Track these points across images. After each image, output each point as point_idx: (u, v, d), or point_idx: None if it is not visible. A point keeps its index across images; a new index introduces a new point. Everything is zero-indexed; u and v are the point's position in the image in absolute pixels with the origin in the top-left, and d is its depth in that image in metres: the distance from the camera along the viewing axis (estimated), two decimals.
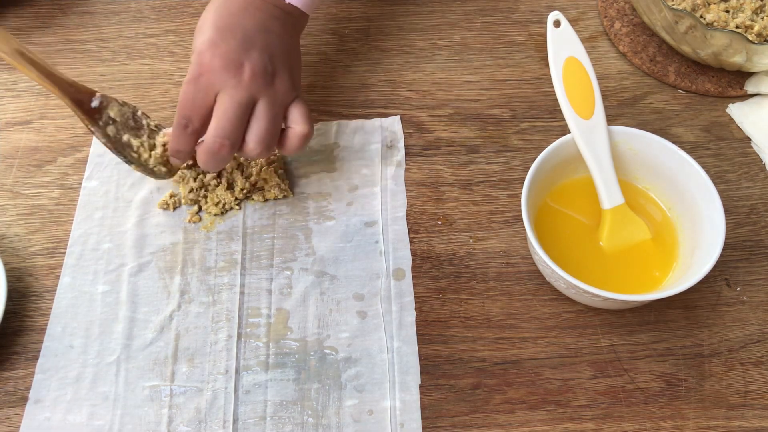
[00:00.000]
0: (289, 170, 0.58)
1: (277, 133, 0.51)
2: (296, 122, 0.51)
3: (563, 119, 0.51)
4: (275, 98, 0.49)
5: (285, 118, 0.51)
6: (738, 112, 0.62)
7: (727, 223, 0.47)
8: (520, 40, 0.67)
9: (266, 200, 0.56)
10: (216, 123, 0.48)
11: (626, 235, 0.51)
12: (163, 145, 0.52)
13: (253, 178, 0.56)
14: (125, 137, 0.51)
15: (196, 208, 0.56)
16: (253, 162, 0.57)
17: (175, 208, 0.56)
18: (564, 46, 0.51)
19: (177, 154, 0.50)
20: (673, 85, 0.64)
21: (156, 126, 0.53)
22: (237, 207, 0.56)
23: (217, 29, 0.49)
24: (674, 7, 0.60)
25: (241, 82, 0.48)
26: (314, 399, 0.48)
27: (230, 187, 0.56)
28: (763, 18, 0.62)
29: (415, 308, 0.51)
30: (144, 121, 0.52)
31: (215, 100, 0.48)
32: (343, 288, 0.53)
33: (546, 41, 0.52)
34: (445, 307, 0.52)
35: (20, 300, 0.52)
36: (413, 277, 0.53)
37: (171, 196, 0.56)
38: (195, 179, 0.56)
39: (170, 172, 0.53)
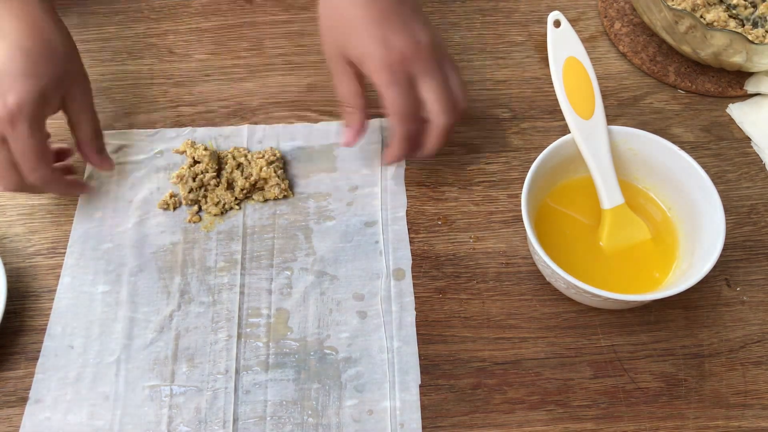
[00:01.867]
0: (289, 170, 0.58)
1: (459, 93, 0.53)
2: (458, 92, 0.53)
3: (563, 119, 0.51)
4: (445, 59, 0.52)
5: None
6: (738, 112, 0.62)
7: (727, 223, 0.47)
8: (520, 40, 0.67)
9: (266, 200, 0.56)
10: (437, 106, 0.51)
11: (626, 235, 0.51)
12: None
13: (253, 178, 0.56)
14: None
15: (195, 208, 0.56)
16: (253, 162, 0.57)
17: (175, 208, 0.56)
18: (564, 46, 0.51)
19: (397, 159, 0.55)
20: (673, 85, 0.64)
21: None
22: (237, 207, 0.56)
23: (374, 22, 0.49)
24: (674, 7, 0.60)
25: (430, 57, 0.50)
26: (314, 399, 0.48)
27: (230, 186, 0.56)
28: None
29: (415, 308, 0.51)
30: None
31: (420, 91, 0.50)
32: (343, 288, 0.53)
33: (546, 41, 0.52)
34: (445, 307, 0.52)
35: (20, 300, 0.52)
36: (413, 277, 0.53)
37: (171, 196, 0.56)
38: (194, 179, 0.56)
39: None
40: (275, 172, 0.56)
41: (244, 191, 0.56)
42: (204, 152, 0.56)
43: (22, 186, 0.50)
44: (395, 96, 0.50)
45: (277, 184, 0.56)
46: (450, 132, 0.52)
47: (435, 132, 0.52)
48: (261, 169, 0.56)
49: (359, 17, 0.50)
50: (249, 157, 0.58)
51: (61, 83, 0.49)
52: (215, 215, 0.56)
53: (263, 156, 0.57)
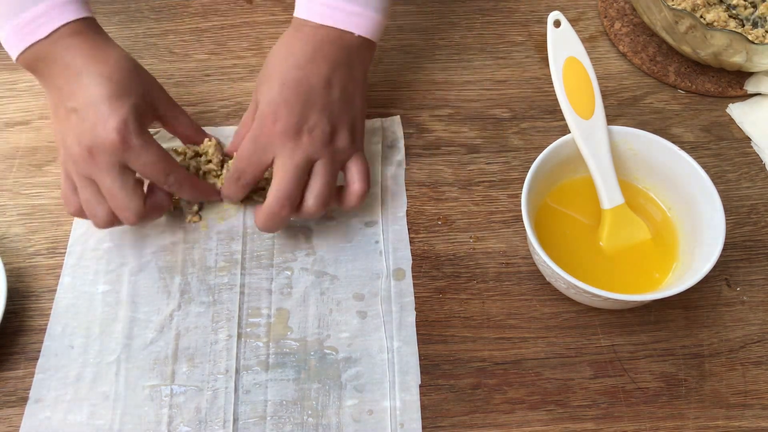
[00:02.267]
0: None
1: (334, 191, 0.52)
2: (354, 180, 0.52)
3: (563, 119, 0.51)
4: (333, 157, 0.51)
5: (344, 174, 0.52)
6: (738, 112, 0.62)
7: (727, 223, 0.47)
8: (520, 40, 0.67)
9: None
10: (276, 186, 0.49)
11: (626, 235, 0.51)
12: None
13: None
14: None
15: (196, 207, 0.56)
16: None
17: (175, 208, 0.56)
18: (564, 46, 0.51)
19: (228, 198, 0.54)
20: (673, 85, 0.64)
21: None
22: (239, 204, 0.56)
23: (282, 86, 0.50)
24: (674, 7, 0.60)
25: (300, 146, 0.49)
26: (314, 399, 0.48)
27: None
28: None
29: (415, 308, 0.51)
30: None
31: (272, 161, 0.50)
32: (343, 288, 0.53)
33: (546, 41, 0.52)
34: (445, 307, 0.52)
35: (20, 300, 0.52)
36: (413, 277, 0.53)
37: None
38: (192, 168, 0.56)
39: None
40: None
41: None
42: (209, 143, 0.56)
43: (142, 212, 0.49)
44: (244, 147, 0.50)
45: None
46: (276, 217, 0.50)
47: (259, 213, 0.51)
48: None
49: (277, 72, 0.50)
50: None
51: (146, 94, 0.51)
52: (218, 215, 0.56)
53: None
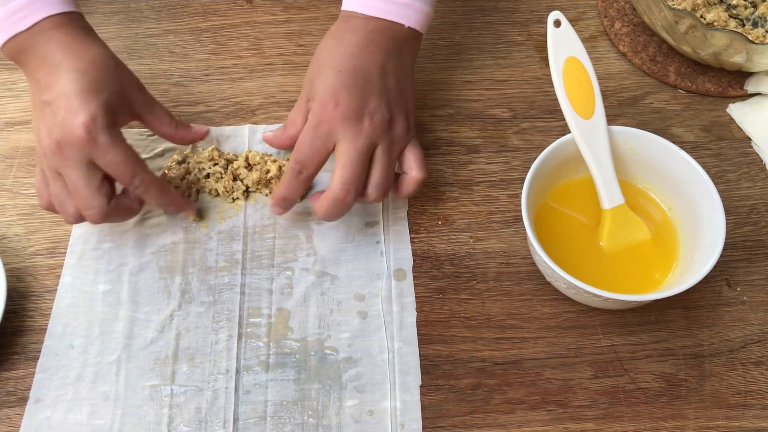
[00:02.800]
0: None
1: (393, 177, 0.52)
2: (412, 167, 0.52)
3: (563, 119, 0.51)
4: (392, 144, 0.51)
5: (400, 162, 0.52)
6: (738, 112, 0.62)
7: (727, 223, 0.47)
8: (520, 40, 0.67)
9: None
10: (341, 171, 0.49)
11: (626, 235, 0.51)
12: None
13: (270, 174, 0.56)
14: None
15: (196, 206, 0.56)
16: (269, 161, 0.57)
17: (201, 218, 0.56)
18: (564, 46, 0.51)
19: (285, 200, 0.51)
20: (673, 85, 0.64)
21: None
22: (243, 197, 0.56)
23: (339, 73, 0.49)
24: (674, 7, 0.60)
25: (362, 131, 0.49)
26: (315, 399, 0.48)
27: (235, 180, 0.56)
28: None
29: (416, 308, 0.51)
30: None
31: (333, 148, 0.49)
32: (343, 288, 0.53)
33: (546, 41, 0.52)
34: (445, 307, 0.52)
35: (20, 300, 0.52)
36: (413, 277, 0.53)
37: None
38: (185, 171, 0.56)
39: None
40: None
41: (257, 183, 0.56)
42: (211, 151, 0.57)
43: (106, 212, 0.49)
44: (305, 136, 0.50)
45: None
46: (340, 203, 0.50)
47: (323, 198, 0.50)
48: (280, 168, 0.56)
49: (330, 63, 0.50)
50: (261, 158, 0.57)
51: (121, 92, 0.50)
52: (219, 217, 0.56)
53: (276, 161, 0.57)
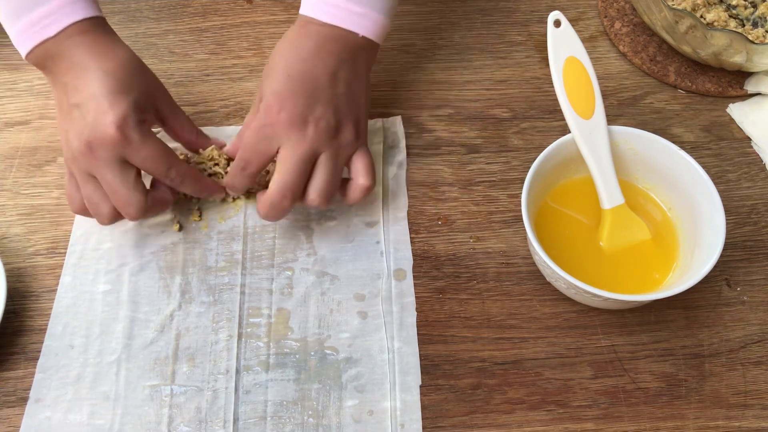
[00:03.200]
0: None
1: (338, 185, 0.52)
2: (359, 174, 0.52)
3: (563, 119, 0.51)
4: (338, 151, 0.51)
5: (348, 168, 0.52)
6: (738, 112, 0.62)
7: (727, 223, 0.47)
8: (520, 40, 0.67)
9: None
10: (279, 176, 0.49)
11: (626, 235, 0.51)
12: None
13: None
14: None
15: (197, 206, 0.56)
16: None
17: (175, 203, 0.56)
18: (564, 45, 0.51)
19: (232, 188, 0.53)
20: (673, 85, 0.64)
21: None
22: (242, 197, 0.56)
23: (288, 78, 0.50)
24: (674, 7, 0.60)
25: (305, 137, 0.49)
26: (315, 399, 0.48)
27: None
28: None
29: (416, 308, 0.51)
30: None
31: (276, 151, 0.50)
32: (344, 288, 0.53)
33: (546, 41, 0.52)
34: (445, 307, 0.52)
35: (20, 300, 0.52)
36: (413, 277, 0.53)
37: None
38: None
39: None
40: None
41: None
42: (210, 149, 0.57)
43: (144, 207, 0.49)
44: (249, 136, 0.50)
45: None
46: (277, 207, 0.50)
47: (261, 202, 0.51)
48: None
49: (281, 67, 0.50)
50: None
51: (149, 93, 0.51)
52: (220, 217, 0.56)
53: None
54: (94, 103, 0.47)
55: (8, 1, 0.48)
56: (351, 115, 0.51)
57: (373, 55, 0.55)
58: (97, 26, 0.50)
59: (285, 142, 0.49)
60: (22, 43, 0.49)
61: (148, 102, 0.50)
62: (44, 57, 0.49)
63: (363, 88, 0.53)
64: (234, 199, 0.56)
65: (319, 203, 0.50)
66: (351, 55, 0.52)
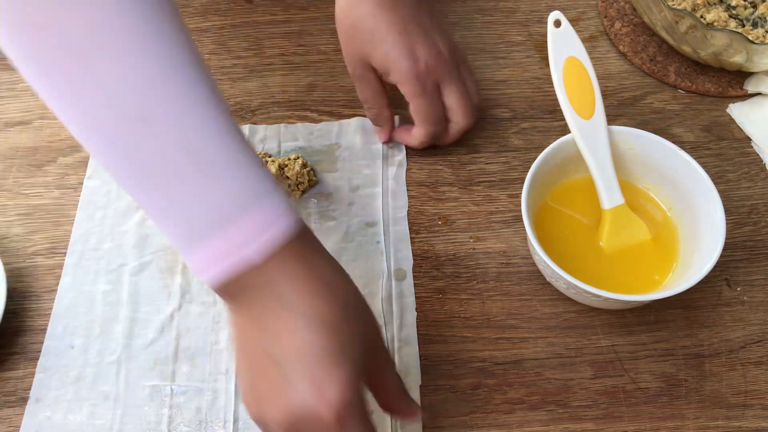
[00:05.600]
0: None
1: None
2: (455, 114, 0.56)
3: (563, 119, 0.51)
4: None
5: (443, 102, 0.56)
6: (738, 112, 0.62)
7: (727, 223, 0.47)
8: (520, 40, 0.67)
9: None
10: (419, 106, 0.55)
11: (626, 235, 0.51)
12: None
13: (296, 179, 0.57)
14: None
15: None
16: (269, 161, 0.57)
17: None
18: (564, 45, 0.51)
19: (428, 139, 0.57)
20: (674, 85, 0.64)
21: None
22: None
23: (400, 34, 0.52)
24: (674, 7, 0.60)
25: (450, 67, 0.54)
26: None
27: None
28: None
29: (416, 308, 0.51)
30: None
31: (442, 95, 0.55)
32: None
33: (546, 41, 0.52)
34: (445, 307, 0.52)
35: (20, 300, 0.52)
36: (413, 277, 0.53)
37: None
38: None
39: None
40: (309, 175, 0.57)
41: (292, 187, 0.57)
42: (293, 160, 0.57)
43: None
44: (424, 105, 0.54)
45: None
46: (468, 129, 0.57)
47: (455, 130, 0.57)
48: (280, 167, 0.56)
49: (382, 26, 0.52)
50: (261, 157, 0.57)
51: (371, 355, 0.38)
52: None
53: (275, 161, 0.57)
54: (302, 368, 0.35)
55: (187, 217, 0.35)
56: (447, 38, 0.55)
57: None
58: (304, 240, 0.37)
59: (444, 81, 0.54)
60: (208, 268, 0.35)
61: (368, 359, 0.37)
62: (236, 286, 0.36)
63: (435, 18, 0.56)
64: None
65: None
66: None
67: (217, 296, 0.51)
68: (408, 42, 0.52)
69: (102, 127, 0.35)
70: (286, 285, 0.36)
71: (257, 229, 0.35)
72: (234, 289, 0.36)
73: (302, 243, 0.37)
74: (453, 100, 0.55)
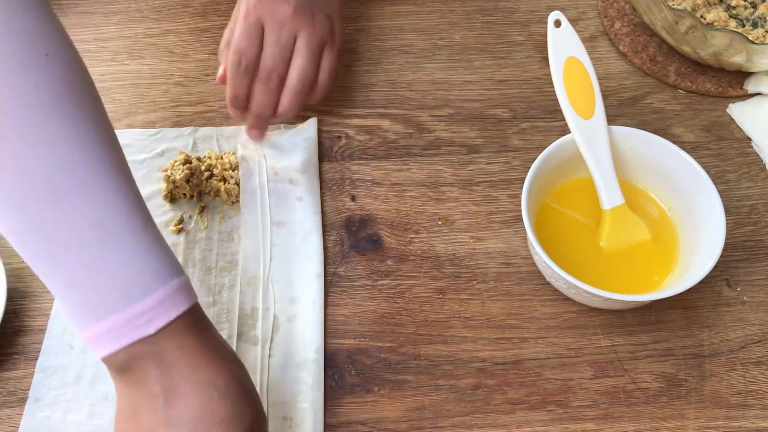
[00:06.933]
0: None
1: (314, 73, 0.56)
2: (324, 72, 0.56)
3: (563, 119, 0.51)
4: (313, 36, 0.55)
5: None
6: (738, 112, 0.62)
7: (727, 223, 0.47)
8: (521, 40, 0.67)
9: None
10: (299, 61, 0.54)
11: (626, 236, 0.51)
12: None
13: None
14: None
15: (198, 209, 0.56)
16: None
17: (173, 200, 0.56)
18: (564, 46, 0.51)
19: (235, 100, 0.55)
20: (674, 85, 0.64)
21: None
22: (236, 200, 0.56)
23: None
24: (674, 7, 0.60)
25: (285, 18, 0.53)
26: None
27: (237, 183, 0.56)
28: None
29: (416, 309, 0.51)
30: None
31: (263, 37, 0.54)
32: None
33: (546, 41, 0.52)
34: (445, 308, 0.52)
35: (20, 300, 0.52)
36: (414, 277, 0.53)
37: (175, 187, 0.56)
38: (189, 175, 0.56)
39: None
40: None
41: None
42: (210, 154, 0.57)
43: None
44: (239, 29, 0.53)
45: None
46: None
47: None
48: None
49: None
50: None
51: (256, 420, 0.39)
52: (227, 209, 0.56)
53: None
54: (197, 430, 0.36)
55: (90, 292, 0.36)
56: (325, 10, 0.56)
57: None
58: (198, 318, 0.39)
59: (267, 23, 0.53)
60: (105, 343, 0.36)
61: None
62: (128, 359, 0.37)
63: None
64: (233, 203, 0.56)
65: (300, 88, 0.55)
66: None
67: (215, 297, 0.52)
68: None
69: (11, 199, 0.36)
70: (179, 355, 0.37)
71: (159, 308, 0.36)
72: (126, 362, 0.37)
73: (195, 317, 0.39)
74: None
